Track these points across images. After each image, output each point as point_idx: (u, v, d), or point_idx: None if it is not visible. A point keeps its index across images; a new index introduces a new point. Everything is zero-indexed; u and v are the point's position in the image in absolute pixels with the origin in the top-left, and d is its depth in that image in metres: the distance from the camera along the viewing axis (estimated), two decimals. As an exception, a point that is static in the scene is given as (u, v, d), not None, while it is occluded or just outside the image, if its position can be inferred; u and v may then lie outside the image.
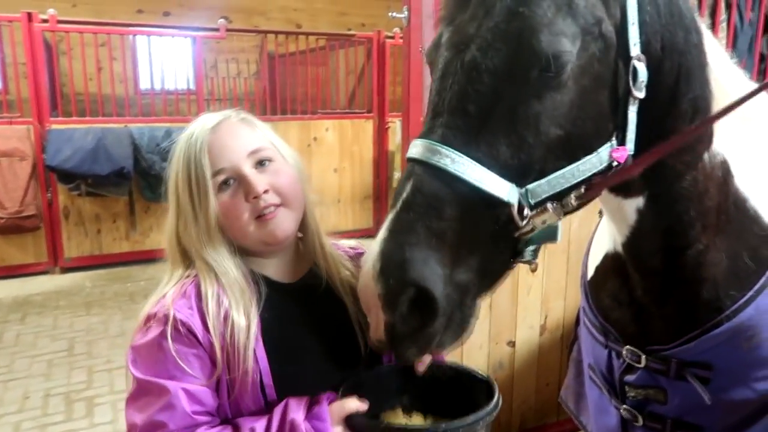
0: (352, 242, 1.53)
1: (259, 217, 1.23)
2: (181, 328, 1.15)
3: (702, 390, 1.28)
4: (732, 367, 1.28)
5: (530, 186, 1.00)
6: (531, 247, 1.05)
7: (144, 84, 6.83)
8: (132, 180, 6.13)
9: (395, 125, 7.21)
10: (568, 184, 1.02)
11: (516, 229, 1.00)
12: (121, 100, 6.57)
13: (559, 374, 3.16)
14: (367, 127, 7.62)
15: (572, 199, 1.02)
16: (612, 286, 1.43)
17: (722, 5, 2.98)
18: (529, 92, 0.98)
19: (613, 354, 1.45)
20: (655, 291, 1.31)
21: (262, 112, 7.58)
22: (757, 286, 1.26)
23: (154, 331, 1.16)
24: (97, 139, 5.84)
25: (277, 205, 1.24)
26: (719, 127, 1.21)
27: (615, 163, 1.07)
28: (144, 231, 6.53)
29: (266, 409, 1.19)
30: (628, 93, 1.07)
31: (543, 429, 3.20)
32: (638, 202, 1.22)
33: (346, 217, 7.36)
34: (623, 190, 1.20)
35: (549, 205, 1.00)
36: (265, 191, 1.22)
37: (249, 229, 1.23)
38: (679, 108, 1.15)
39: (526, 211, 1.00)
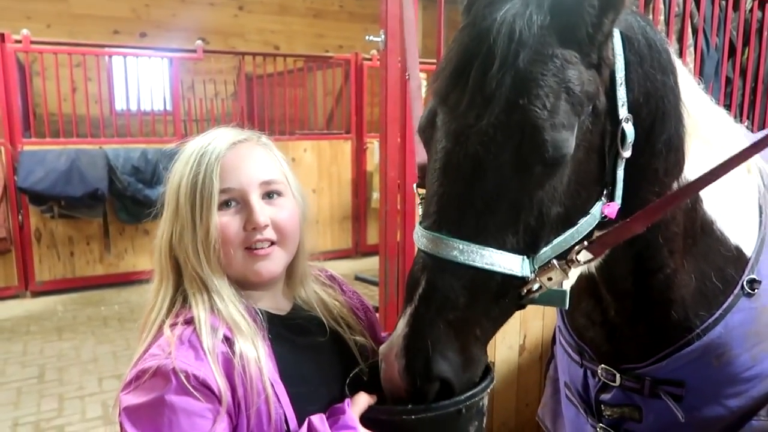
0: (318, 264, 1.46)
1: (250, 249, 1.18)
2: (193, 382, 1.03)
3: (675, 407, 1.31)
4: (704, 384, 1.31)
5: (537, 255, 1.04)
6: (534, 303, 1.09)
7: (120, 105, 6.77)
8: (106, 202, 6.04)
9: (373, 146, 7.25)
10: (569, 246, 1.06)
11: (524, 287, 1.05)
12: (96, 121, 6.49)
13: (539, 394, 3.16)
14: (345, 148, 7.64)
15: (576, 256, 1.06)
16: (586, 306, 1.45)
17: (689, 30, 3.08)
18: (532, 183, 1.01)
19: (589, 373, 1.47)
20: (627, 312, 1.34)
21: (240, 133, 7.57)
22: (725, 305, 1.30)
23: (160, 389, 1.03)
24: (70, 161, 5.76)
25: (272, 243, 1.20)
26: (688, 155, 1.24)
27: (605, 217, 1.11)
28: (119, 253, 6.42)
29: None
30: (617, 155, 1.10)
31: (523, 449, 3.19)
32: None
33: (325, 237, 7.33)
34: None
35: (555, 262, 1.04)
36: (266, 225, 1.18)
37: (236, 256, 1.17)
38: (654, 149, 1.17)
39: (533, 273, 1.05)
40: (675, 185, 1.23)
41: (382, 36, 2.47)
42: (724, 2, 3.21)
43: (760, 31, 3.28)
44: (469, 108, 1.01)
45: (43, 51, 6.30)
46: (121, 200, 6.11)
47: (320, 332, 1.30)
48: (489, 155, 1.00)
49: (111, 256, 6.37)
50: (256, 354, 1.11)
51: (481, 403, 1.12)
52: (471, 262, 0.99)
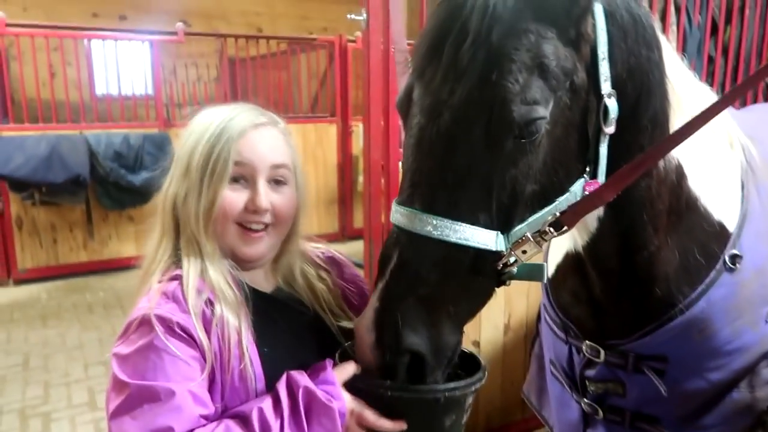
0: (321, 246, 1.53)
1: (243, 226, 1.24)
2: (177, 329, 1.11)
3: (658, 382, 1.33)
4: (686, 358, 1.33)
5: (511, 231, 1.04)
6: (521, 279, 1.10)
7: (100, 90, 6.66)
8: (89, 188, 5.97)
9: (359, 129, 7.21)
10: (546, 221, 1.06)
11: (499, 261, 1.05)
12: (76, 106, 6.38)
13: (523, 373, 3.19)
14: (330, 131, 7.59)
15: (548, 227, 1.05)
16: (572, 284, 1.46)
17: (671, 9, 3.08)
18: (504, 159, 1.01)
19: (574, 349, 1.49)
20: (612, 289, 1.35)
21: (224, 117, 7.48)
22: (707, 280, 1.31)
23: (146, 336, 1.10)
24: (51, 147, 5.67)
25: (267, 225, 1.26)
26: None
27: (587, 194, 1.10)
28: (102, 240, 6.36)
29: None
30: (600, 131, 1.09)
31: (508, 427, 3.23)
32: (599, 211, 1.24)
33: (311, 221, 7.28)
34: None
35: (528, 234, 1.04)
36: (266, 210, 1.24)
37: (228, 230, 1.23)
38: (639, 125, 1.17)
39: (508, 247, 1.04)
40: (661, 162, 1.23)
41: (364, 15, 2.44)
42: (706, -20, 3.21)
43: (742, 9, 3.28)
44: (442, 83, 1.01)
45: (19, 34, 6.17)
46: (104, 186, 6.03)
47: (302, 313, 1.34)
48: (460, 131, 1.00)
49: (95, 243, 6.31)
50: (237, 322, 1.17)
51: (462, 399, 1.14)
52: (444, 237, 1.00)
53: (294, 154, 1.34)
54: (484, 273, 1.06)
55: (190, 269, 1.20)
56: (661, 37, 1.21)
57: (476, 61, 0.98)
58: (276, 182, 1.28)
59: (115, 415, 1.08)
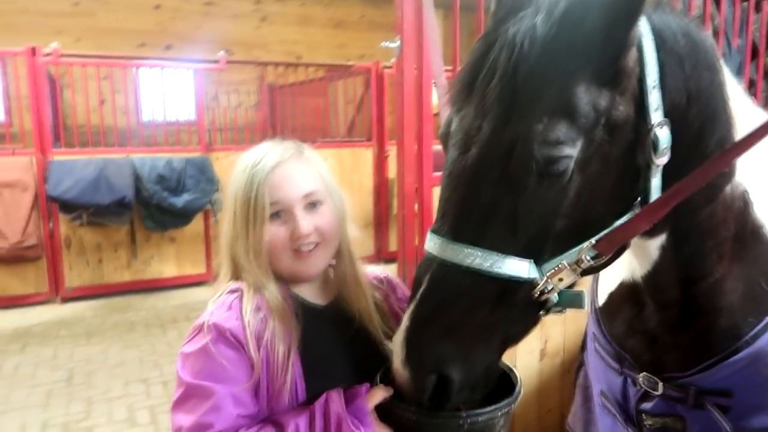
0: (378, 269, 1.63)
1: (297, 251, 1.35)
2: (229, 336, 1.25)
3: (723, 419, 1.26)
4: (753, 394, 1.26)
5: (546, 264, 1.04)
6: (556, 308, 1.09)
7: (146, 115, 6.94)
8: (133, 210, 6.17)
9: (394, 153, 7.26)
10: (582, 249, 1.04)
11: (534, 289, 1.05)
12: (123, 131, 6.66)
13: (560, 400, 3.14)
14: (366, 156, 7.70)
15: (583, 255, 1.04)
16: (627, 314, 1.42)
17: (709, 32, 3.05)
18: (529, 197, 1.01)
19: (629, 381, 1.43)
20: (672, 320, 1.30)
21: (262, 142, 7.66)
22: None
23: (203, 339, 1.26)
24: (98, 170, 5.90)
25: (316, 244, 1.37)
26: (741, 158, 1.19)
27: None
28: (145, 260, 6.55)
29: None
30: (649, 163, 1.06)
31: (544, 455, 3.16)
32: (661, 239, 1.21)
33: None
34: (648, 231, 1.16)
35: (564, 263, 1.04)
36: (308, 234, 1.35)
37: (285, 259, 1.35)
38: (704, 151, 1.12)
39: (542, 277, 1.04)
40: (728, 189, 1.19)
41: (398, 42, 2.50)
42: (745, 3, 3.17)
43: (783, 32, 3.22)
44: (473, 119, 1.04)
45: (72, 64, 6.49)
46: (147, 208, 6.23)
47: (351, 328, 1.41)
48: (485, 168, 1.02)
49: (138, 263, 6.50)
50: (286, 336, 1.29)
51: (490, 423, 1.15)
52: (472, 266, 1.02)
53: (323, 174, 1.43)
54: (519, 301, 1.06)
55: (248, 286, 1.34)
56: (719, 58, 1.17)
57: (501, 100, 0.99)
58: (312, 205, 1.37)
59: (175, 406, 1.26)
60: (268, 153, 1.38)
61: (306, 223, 1.34)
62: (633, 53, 1.03)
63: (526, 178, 0.99)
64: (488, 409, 1.13)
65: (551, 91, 0.98)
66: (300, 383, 1.28)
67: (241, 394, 1.23)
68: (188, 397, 1.24)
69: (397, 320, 1.42)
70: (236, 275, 1.38)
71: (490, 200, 1.02)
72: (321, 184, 1.40)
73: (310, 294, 1.43)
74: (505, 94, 0.99)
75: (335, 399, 1.23)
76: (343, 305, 1.45)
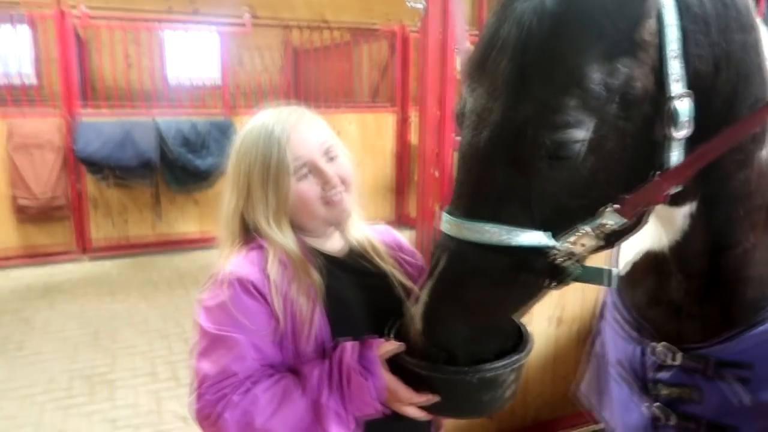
0: (380, 226, 1.69)
1: (328, 202, 1.41)
2: (250, 287, 1.30)
3: (742, 390, 1.25)
4: None
5: (565, 235, 1.02)
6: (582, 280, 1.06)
7: (172, 78, 6.96)
8: (158, 171, 6.25)
9: (417, 119, 7.21)
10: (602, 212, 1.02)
11: (553, 256, 1.02)
12: (149, 93, 6.70)
13: (575, 367, 3.13)
14: (389, 121, 7.65)
15: (604, 220, 1.01)
16: (651, 284, 1.39)
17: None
18: (541, 178, 0.99)
19: (647, 351, 1.41)
20: (699, 291, 1.28)
21: (286, 105, 7.65)
22: None
23: (226, 291, 1.30)
24: (125, 131, 5.98)
25: (343, 190, 1.43)
26: None
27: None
28: (169, 221, 6.67)
29: None
30: (666, 137, 1.01)
31: (557, 422, 3.19)
32: (690, 207, 1.18)
33: (368, 209, 7.30)
34: (676, 199, 1.14)
35: (587, 228, 1.01)
36: (337, 183, 1.41)
37: (320, 211, 1.40)
38: (738, 116, 1.06)
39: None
40: (763, 154, 1.14)
41: (423, 2, 2.45)
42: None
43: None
44: (485, 100, 1.02)
45: (101, 26, 6.52)
46: (172, 170, 6.30)
47: (370, 273, 1.48)
48: (497, 150, 1.00)
49: (162, 224, 6.62)
50: (309, 289, 1.34)
51: (497, 378, 1.17)
52: (491, 241, 1.01)
53: (328, 128, 1.49)
54: (539, 271, 1.04)
55: (270, 244, 1.38)
56: (757, 19, 1.11)
57: (510, 81, 0.97)
58: (331, 158, 1.43)
59: (199, 356, 1.31)
60: (276, 118, 1.42)
61: (332, 172, 1.40)
62: (651, 24, 0.97)
63: (537, 161, 0.98)
64: (496, 365, 1.14)
65: (561, 70, 0.95)
66: (326, 332, 1.34)
67: (264, 344, 1.29)
68: (212, 347, 1.29)
69: (402, 267, 1.53)
70: (247, 242, 1.41)
71: (504, 182, 1.01)
72: (331, 138, 1.47)
73: (328, 246, 1.49)
74: (515, 75, 0.97)
75: (348, 350, 1.28)
76: (358, 252, 1.51)
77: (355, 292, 1.43)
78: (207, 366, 1.28)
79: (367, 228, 1.58)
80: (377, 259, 1.51)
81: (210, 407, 1.25)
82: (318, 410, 1.25)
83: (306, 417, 1.25)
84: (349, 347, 1.29)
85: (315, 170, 1.39)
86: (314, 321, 1.32)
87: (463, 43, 1.98)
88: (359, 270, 1.48)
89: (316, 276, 1.36)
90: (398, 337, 1.27)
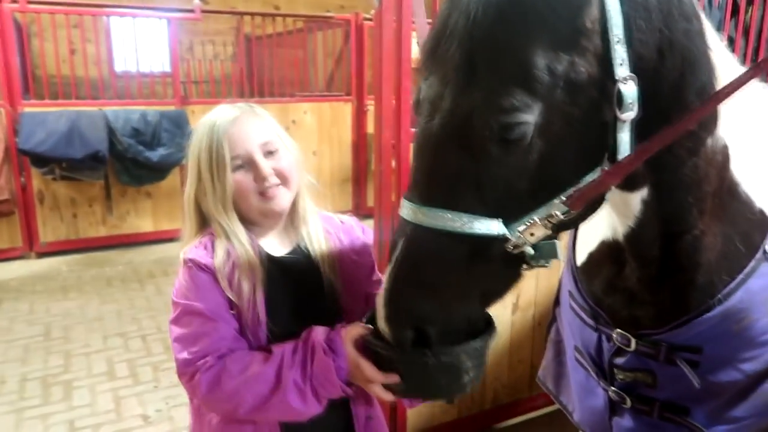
0: (345, 217, 1.81)
1: (262, 193, 1.52)
2: (204, 267, 1.47)
3: (691, 374, 1.30)
4: (721, 350, 1.30)
5: (516, 223, 1.05)
6: (538, 261, 1.10)
7: (119, 66, 6.73)
8: (107, 164, 6.06)
9: (373, 108, 7.19)
10: (553, 205, 1.06)
11: (507, 245, 1.06)
12: (95, 82, 6.47)
13: (531, 351, 3.24)
14: (345, 110, 7.60)
15: (554, 211, 1.04)
16: (607, 273, 1.44)
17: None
18: (491, 162, 1.02)
19: (603, 337, 1.47)
20: (652, 278, 1.32)
21: (240, 95, 7.52)
22: (747, 269, 1.28)
23: (188, 272, 1.48)
24: (71, 122, 5.76)
25: (277, 185, 1.53)
26: (723, 111, 1.18)
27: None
28: (121, 215, 6.48)
29: None
30: (614, 120, 1.05)
31: (516, 405, 3.28)
32: (643, 193, 1.21)
33: (325, 200, 7.29)
34: (629, 184, 1.18)
35: (536, 219, 1.05)
36: (270, 175, 1.51)
37: (254, 202, 1.52)
38: (685, 101, 1.11)
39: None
40: (709, 141, 1.18)
41: (378, -7, 2.44)
42: (727, -41, 3.15)
43: (764, -11, 3.22)
44: (437, 87, 1.05)
45: (41, 11, 6.24)
46: (122, 162, 6.12)
47: (310, 274, 1.59)
48: (447, 136, 1.03)
49: (114, 218, 6.44)
50: (252, 280, 1.47)
51: (455, 362, 1.20)
52: (445, 228, 1.04)
53: (273, 124, 1.60)
54: (494, 257, 1.08)
55: (222, 236, 1.52)
56: (699, 8, 1.15)
57: (459, 68, 1.00)
58: (269, 153, 1.54)
59: (171, 323, 1.49)
60: (221, 114, 1.55)
61: (266, 166, 1.51)
62: (593, 12, 1.01)
63: (486, 145, 1.01)
64: (453, 349, 1.18)
65: (507, 57, 0.98)
66: (263, 320, 1.47)
67: (224, 312, 1.45)
68: (183, 315, 1.46)
69: (342, 264, 1.63)
70: (202, 228, 1.56)
71: (457, 167, 1.04)
72: (274, 135, 1.57)
73: (270, 245, 1.59)
74: (464, 62, 0.99)
75: (318, 331, 1.42)
76: (299, 255, 1.60)
77: (291, 291, 1.55)
78: (179, 330, 1.45)
79: (318, 226, 1.65)
80: (320, 261, 1.59)
81: (186, 366, 1.41)
82: (280, 380, 1.37)
83: (269, 385, 1.37)
84: (320, 329, 1.42)
85: (250, 163, 1.51)
86: (257, 303, 1.46)
87: (423, 30, 1.98)
88: (296, 270, 1.57)
89: (258, 265, 1.48)
90: (371, 322, 1.34)
